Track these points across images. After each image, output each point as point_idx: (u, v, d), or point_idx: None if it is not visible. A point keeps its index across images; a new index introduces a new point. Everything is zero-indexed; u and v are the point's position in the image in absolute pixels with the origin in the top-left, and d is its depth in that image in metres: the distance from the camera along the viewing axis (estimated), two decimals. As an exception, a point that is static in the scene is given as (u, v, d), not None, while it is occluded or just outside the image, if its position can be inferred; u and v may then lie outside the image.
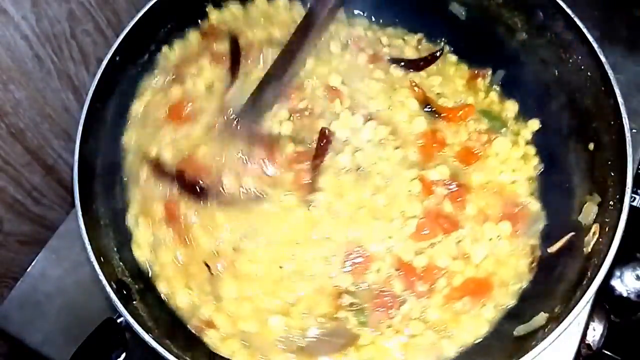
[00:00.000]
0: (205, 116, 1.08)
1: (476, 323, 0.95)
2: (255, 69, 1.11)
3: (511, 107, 1.14)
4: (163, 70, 1.13)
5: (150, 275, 1.00)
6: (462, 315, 0.95)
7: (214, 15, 1.18)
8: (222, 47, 1.14)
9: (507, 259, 1.00)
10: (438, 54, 1.20)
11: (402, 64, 1.17)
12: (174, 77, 1.12)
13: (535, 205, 1.05)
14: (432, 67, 1.19)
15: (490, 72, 1.17)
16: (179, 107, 1.09)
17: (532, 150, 1.10)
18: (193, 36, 1.16)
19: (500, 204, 1.03)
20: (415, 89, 1.13)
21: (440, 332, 0.95)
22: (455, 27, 1.20)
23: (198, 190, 1.02)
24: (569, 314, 0.84)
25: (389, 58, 1.18)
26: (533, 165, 1.09)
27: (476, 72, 1.18)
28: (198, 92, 1.11)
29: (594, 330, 1.10)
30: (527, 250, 1.00)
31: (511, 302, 0.97)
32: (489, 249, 0.99)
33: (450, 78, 1.18)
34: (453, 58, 1.21)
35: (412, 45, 1.22)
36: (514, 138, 1.11)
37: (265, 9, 1.20)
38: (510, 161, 1.09)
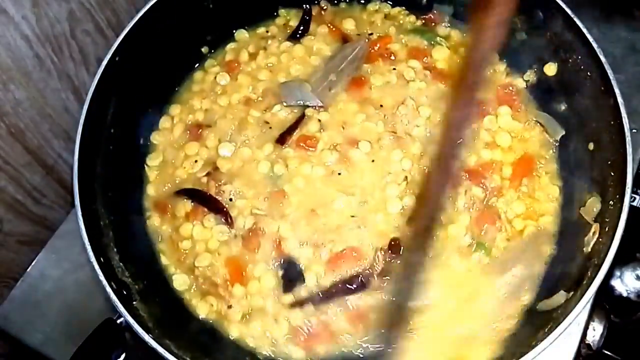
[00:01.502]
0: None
1: (546, 191, 1.08)
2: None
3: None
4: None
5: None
6: (535, 193, 1.07)
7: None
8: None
9: (525, 133, 1.12)
10: (307, 17, 1.27)
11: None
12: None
13: (521, 83, 1.16)
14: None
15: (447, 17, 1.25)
16: (237, 269, 1.04)
17: None
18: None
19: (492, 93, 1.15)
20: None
21: (533, 216, 1.05)
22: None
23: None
24: (569, 314, 0.84)
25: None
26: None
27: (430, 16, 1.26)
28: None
29: (594, 330, 1.09)
30: (533, 122, 1.13)
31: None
32: (507, 132, 1.12)
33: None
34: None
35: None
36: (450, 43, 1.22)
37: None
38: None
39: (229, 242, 1.06)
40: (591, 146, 1.02)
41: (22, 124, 1.19)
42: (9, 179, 1.20)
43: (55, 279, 1.21)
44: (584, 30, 1.00)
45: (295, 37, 1.25)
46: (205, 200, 1.09)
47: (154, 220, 1.11)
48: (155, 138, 1.18)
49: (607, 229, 0.91)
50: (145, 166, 1.15)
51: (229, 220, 1.06)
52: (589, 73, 1.01)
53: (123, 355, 0.93)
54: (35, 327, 1.16)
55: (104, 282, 0.90)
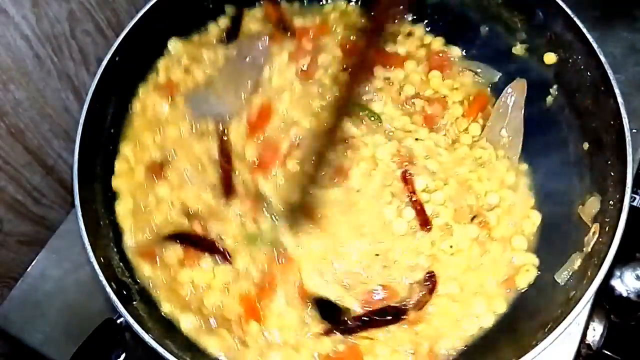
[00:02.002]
0: None
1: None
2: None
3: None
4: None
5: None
6: None
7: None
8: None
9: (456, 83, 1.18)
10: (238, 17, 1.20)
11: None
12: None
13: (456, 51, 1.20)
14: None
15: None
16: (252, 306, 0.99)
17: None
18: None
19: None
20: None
21: None
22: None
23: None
24: (569, 314, 0.84)
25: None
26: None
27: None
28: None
29: (594, 330, 1.09)
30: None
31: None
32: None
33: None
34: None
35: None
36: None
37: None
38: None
39: (236, 279, 1.00)
40: (586, 146, 1.02)
41: (22, 124, 1.19)
42: (9, 179, 1.20)
43: (55, 279, 1.21)
44: (584, 30, 1.00)
45: (226, 39, 1.18)
46: (196, 243, 1.01)
47: (144, 271, 1.00)
48: (117, 183, 1.06)
49: (607, 229, 0.91)
50: (117, 217, 1.04)
51: (227, 258, 1.00)
52: (589, 73, 1.01)
53: (123, 355, 0.93)
54: (35, 327, 1.16)
55: (104, 282, 0.90)
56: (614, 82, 0.95)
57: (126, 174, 1.07)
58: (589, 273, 0.89)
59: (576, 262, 0.94)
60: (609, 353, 1.21)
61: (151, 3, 1.10)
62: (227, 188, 1.05)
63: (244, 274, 1.00)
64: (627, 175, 0.90)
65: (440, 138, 1.11)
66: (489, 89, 1.17)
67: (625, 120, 0.93)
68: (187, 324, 0.97)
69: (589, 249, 0.93)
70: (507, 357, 0.87)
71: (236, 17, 1.20)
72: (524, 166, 1.10)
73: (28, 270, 1.22)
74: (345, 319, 0.97)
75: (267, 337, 0.96)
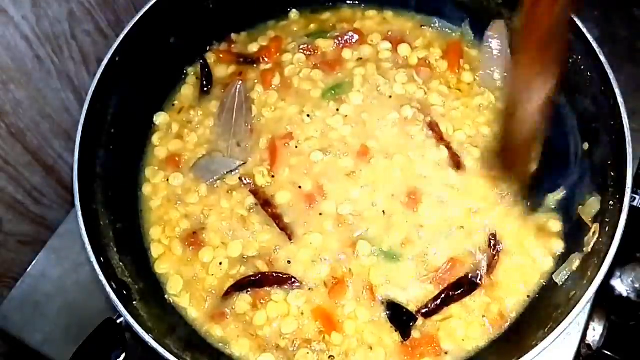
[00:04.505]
0: None
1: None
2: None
3: None
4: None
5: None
6: None
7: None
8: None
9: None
10: (206, 69, 1.23)
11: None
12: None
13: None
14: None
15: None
16: (328, 318, 1.00)
17: None
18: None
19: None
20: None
21: None
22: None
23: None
24: (569, 314, 0.84)
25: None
26: None
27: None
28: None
29: (594, 330, 1.10)
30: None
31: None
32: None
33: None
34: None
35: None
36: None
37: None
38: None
39: (308, 298, 1.01)
40: (586, 146, 1.02)
41: (22, 124, 1.19)
42: (9, 179, 1.20)
43: (55, 279, 1.21)
44: (584, 30, 1.00)
45: (204, 92, 1.21)
46: (262, 281, 1.01)
47: (215, 333, 1.01)
48: (160, 267, 1.06)
49: (607, 229, 0.91)
50: (172, 298, 1.04)
51: (296, 282, 1.01)
52: (589, 73, 1.01)
53: (123, 355, 0.93)
54: (35, 327, 1.16)
55: (104, 282, 0.90)
56: (614, 82, 0.96)
57: (165, 256, 1.07)
58: (589, 273, 0.89)
59: (575, 262, 0.95)
60: (609, 353, 1.21)
61: (151, 3, 1.11)
62: (287, 232, 1.05)
63: (315, 291, 1.01)
64: (627, 175, 0.91)
65: (439, 100, 1.16)
66: (454, 35, 1.25)
67: (625, 120, 0.93)
68: None
69: (589, 249, 0.93)
70: (508, 357, 0.87)
71: (203, 66, 1.24)
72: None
73: (28, 270, 1.22)
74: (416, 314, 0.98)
75: (350, 343, 0.98)
